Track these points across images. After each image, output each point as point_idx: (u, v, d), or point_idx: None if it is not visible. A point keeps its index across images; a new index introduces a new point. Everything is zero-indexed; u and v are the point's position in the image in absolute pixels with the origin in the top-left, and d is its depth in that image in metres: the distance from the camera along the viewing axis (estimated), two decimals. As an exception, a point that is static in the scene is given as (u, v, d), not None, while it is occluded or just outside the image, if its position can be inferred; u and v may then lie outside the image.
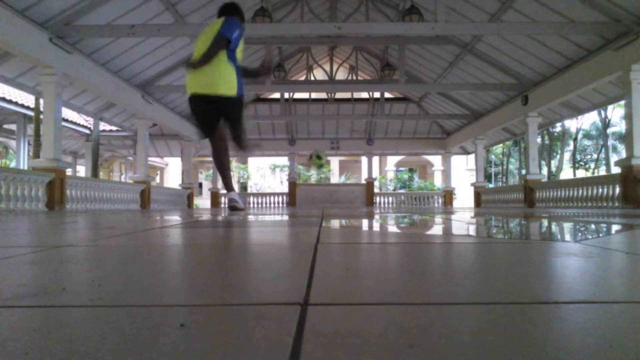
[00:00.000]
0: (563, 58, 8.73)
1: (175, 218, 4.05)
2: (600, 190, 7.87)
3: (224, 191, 22.05)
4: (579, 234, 2.16)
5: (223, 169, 4.08)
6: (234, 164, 25.84)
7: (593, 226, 2.67)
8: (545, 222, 3.15)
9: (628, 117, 7.03)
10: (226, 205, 4.27)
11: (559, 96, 9.19)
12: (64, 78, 7.18)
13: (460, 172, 24.39)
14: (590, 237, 1.99)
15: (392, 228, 2.70)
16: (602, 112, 28.15)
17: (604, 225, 2.79)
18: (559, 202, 9.24)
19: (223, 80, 3.72)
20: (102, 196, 8.41)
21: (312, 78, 13.30)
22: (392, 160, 26.28)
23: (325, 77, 13.00)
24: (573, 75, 8.54)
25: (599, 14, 7.06)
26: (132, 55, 9.11)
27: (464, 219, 3.70)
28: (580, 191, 8.52)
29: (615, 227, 2.60)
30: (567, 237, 2.10)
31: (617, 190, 7.35)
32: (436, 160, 25.18)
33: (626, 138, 7.26)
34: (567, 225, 2.77)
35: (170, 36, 8.60)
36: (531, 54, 9.15)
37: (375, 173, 24.20)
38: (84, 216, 4.52)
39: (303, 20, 10.30)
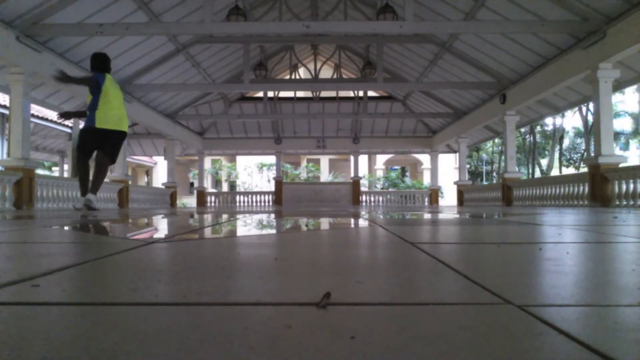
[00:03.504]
0: (538, 56, 8.77)
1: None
2: (571, 188, 7.92)
3: (212, 190, 21.75)
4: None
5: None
6: (222, 162, 25.83)
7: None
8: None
9: (596, 115, 7.07)
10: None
11: (534, 94, 9.23)
12: (33, 77, 7.15)
13: (449, 171, 24.43)
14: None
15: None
16: (584, 110, 28.24)
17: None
18: (534, 200, 9.28)
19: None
20: (77, 195, 8.36)
21: (297, 77, 13.29)
22: (381, 159, 26.31)
23: (310, 76, 12.98)
24: (547, 74, 8.58)
25: (569, 12, 7.09)
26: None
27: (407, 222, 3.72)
28: (553, 189, 8.56)
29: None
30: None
31: (587, 188, 7.39)
32: (425, 158, 25.16)
33: (594, 136, 7.30)
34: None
35: (141, 35, 8.55)
36: (508, 52, 9.19)
37: (364, 172, 24.27)
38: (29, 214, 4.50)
39: (281, 20, 10.29)
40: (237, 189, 24.27)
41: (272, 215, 4.70)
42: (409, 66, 12.60)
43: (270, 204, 17.26)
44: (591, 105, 7.38)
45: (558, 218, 3.47)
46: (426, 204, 17.05)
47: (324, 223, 3.24)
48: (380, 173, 25.46)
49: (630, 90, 29.06)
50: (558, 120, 32.27)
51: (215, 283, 0.90)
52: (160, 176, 28.16)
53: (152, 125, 12.72)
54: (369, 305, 0.72)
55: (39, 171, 7.65)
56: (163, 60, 10.39)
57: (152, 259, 1.31)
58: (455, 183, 15.13)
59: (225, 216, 4.47)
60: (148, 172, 28.91)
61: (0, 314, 0.67)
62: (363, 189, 19.43)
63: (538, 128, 33.04)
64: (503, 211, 5.81)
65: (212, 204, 17.90)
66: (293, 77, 13.19)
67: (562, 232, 2.16)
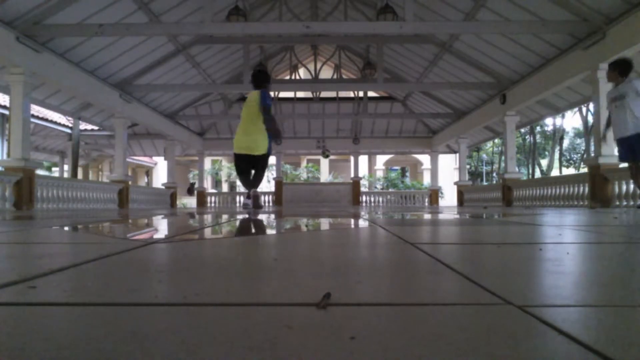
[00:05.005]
0: (538, 57, 8.78)
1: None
2: (571, 189, 7.92)
3: (212, 190, 21.93)
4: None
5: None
6: (222, 162, 25.85)
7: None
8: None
9: (596, 115, 7.07)
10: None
11: (535, 95, 9.23)
12: (33, 77, 7.15)
13: (449, 171, 24.45)
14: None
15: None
16: (584, 110, 28.21)
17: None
18: (534, 200, 9.28)
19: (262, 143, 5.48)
20: (77, 196, 8.38)
21: (298, 77, 13.29)
22: (381, 159, 26.32)
23: (310, 77, 12.97)
24: (547, 74, 8.58)
25: (569, 13, 7.10)
26: (108, 54, 9.07)
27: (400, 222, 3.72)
28: (553, 190, 8.56)
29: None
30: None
31: (587, 188, 7.39)
32: (426, 159, 25.18)
33: (594, 137, 7.30)
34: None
35: (141, 35, 8.55)
36: (508, 53, 9.19)
37: (364, 172, 24.27)
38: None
39: (281, 20, 10.29)
40: (237, 190, 24.26)
41: (272, 216, 4.70)
42: (409, 66, 12.60)
43: (271, 204, 17.25)
44: (591, 106, 7.38)
45: (558, 218, 3.47)
46: (426, 204, 17.05)
47: (324, 223, 3.24)
48: (380, 173, 25.47)
49: (630, 91, 28.95)
50: (558, 120, 32.28)
51: (215, 283, 0.90)
52: (161, 176, 28.16)
53: (152, 125, 12.72)
54: (369, 305, 0.72)
55: (39, 171, 7.64)
56: (163, 61, 10.39)
57: (152, 260, 1.30)
58: (455, 183, 15.14)
59: (225, 216, 4.46)
60: (148, 172, 28.93)
61: (0, 314, 0.67)
62: (363, 189, 19.44)
63: (538, 128, 33.05)
64: (503, 211, 5.81)
65: (212, 205, 17.90)
66: (293, 77, 13.19)
67: (562, 233, 2.16)
